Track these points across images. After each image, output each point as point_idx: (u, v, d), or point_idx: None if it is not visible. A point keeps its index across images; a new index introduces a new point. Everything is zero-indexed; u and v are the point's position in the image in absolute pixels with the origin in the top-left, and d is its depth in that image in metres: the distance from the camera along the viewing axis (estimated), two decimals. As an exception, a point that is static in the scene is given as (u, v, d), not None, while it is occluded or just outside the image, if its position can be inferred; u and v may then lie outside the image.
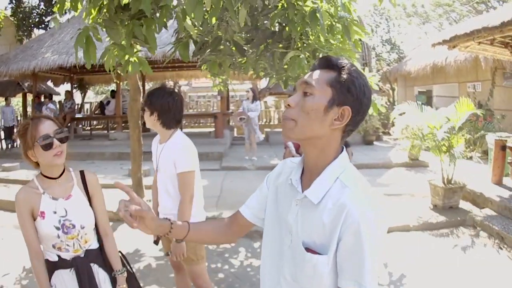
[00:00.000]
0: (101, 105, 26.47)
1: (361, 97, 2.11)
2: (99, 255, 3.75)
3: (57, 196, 3.55)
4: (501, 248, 8.02)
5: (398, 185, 12.90)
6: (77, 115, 26.69)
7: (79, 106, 30.28)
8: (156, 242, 5.05)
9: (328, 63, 2.16)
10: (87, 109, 31.76)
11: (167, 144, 4.80)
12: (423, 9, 38.56)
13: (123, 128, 21.71)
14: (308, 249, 2.10)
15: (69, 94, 25.57)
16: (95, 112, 28.17)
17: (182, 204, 4.69)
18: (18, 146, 20.59)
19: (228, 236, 2.72)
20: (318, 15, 4.70)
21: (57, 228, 3.47)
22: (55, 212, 3.49)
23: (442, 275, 6.93)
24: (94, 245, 3.74)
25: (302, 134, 2.14)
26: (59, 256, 3.57)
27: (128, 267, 4.06)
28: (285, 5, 5.05)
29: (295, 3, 4.96)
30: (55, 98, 28.70)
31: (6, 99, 24.73)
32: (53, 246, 3.55)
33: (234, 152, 19.39)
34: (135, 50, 5.24)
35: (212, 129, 22.43)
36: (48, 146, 3.35)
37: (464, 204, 10.44)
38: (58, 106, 24.87)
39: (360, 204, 1.98)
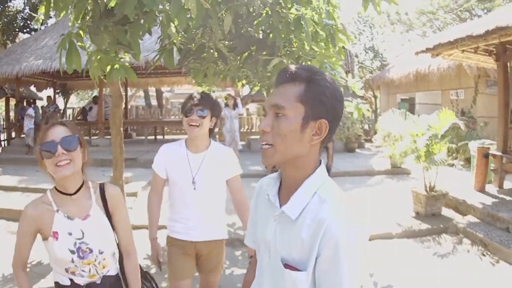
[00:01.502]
0: (84, 111, 26.40)
1: (335, 104, 2.06)
2: (117, 283, 3.39)
3: (73, 216, 3.13)
4: (484, 255, 8.06)
5: (380, 193, 12.94)
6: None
7: (62, 111, 30.17)
8: (160, 267, 4.79)
9: (292, 76, 2.08)
10: (69, 115, 31.62)
11: (209, 152, 4.56)
12: (407, 16, 38.70)
13: (106, 134, 21.56)
14: (287, 265, 2.06)
15: (50, 99, 25.40)
16: (78, 118, 27.98)
17: (247, 205, 4.56)
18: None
19: None
20: (302, 22, 4.69)
21: (72, 252, 3.07)
22: (70, 234, 3.08)
23: (426, 282, 6.93)
24: (113, 271, 3.35)
25: (283, 158, 2.09)
26: (71, 280, 3.19)
27: (154, 285, 3.94)
28: (270, 13, 5.04)
29: (280, 11, 4.96)
30: (38, 103, 28.59)
31: None
32: (66, 270, 3.15)
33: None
34: (119, 56, 5.21)
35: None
36: (48, 154, 2.96)
37: (446, 212, 10.49)
38: (41, 111, 24.73)
39: (339, 219, 1.94)
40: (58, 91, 29.64)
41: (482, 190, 11.32)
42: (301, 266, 2.02)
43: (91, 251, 3.13)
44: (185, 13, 4.06)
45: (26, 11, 29.98)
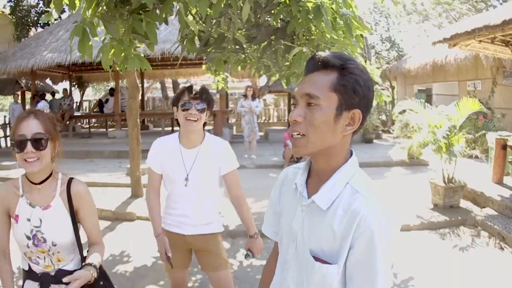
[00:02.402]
0: (100, 103, 26.57)
1: (367, 94, 1.99)
2: None
3: (35, 203, 3.22)
4: (503, 248, 7.96)
5: (398, 184, 12.85)
6: (76, 113, 26.77)
7: (78, 104, 30.30)
8: (170, 263, 4.56)
9: (324, 64, 2.00)
10: (86, 107, 31.80)
11: (204, 147, 4.45)
12: (423, 7, 38.51)
13: (122, 126, 21.57)
14: (316, 258, 2.00)
15: (66, 92, 25.60)
16: (94, 110, 28.13)
17: (244, 200, 4.62)
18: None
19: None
20: (322, 11, 4.63)
21: (28, 238, 3.17)
22: (28, 220, 3.18)
23: (444, 275, 6.86)
24: (70, 266, 3.33)
25: (315, 148, 2.02)
26: (29, 266, 3.31)
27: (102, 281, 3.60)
28: (288, 2, 4.96)
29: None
30: (55, 96, 28.72)
31: (14, 96, 24.71)
32: (25, 254, 3.27)
33: (233, 150, 18.95)
34: (134, 46, 5.15)
35: (211, 127, 22.20)
36: (18, 148, 3.02)
37: (464, 204, 10.35)
38: (56, 103, 24.77)
39: (374, 210, 1.88)
40: (74, 83, 29.73)
41: (500, 182, 11.18)
42: (331, 259, 1.96)
43: (44, 240, 3.19)
44: (206, 1, 3.99)
45: (40, 5, 30.12)
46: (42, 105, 21.14)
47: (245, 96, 17.77)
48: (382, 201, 1.96)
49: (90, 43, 4.66)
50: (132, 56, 5.03)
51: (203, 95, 4.23)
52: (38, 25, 29.99)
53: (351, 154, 2.10)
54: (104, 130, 25.48)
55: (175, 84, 33.68)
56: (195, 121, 4.20)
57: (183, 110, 4.20)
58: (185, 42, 5.48)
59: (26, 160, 3.03)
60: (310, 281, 2.03)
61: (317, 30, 5.33)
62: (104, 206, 10.65)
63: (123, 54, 5.04)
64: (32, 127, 3.04)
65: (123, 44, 4.92)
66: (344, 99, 1.96)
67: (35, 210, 3.19)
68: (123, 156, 16.51)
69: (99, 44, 5.20)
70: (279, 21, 5.41)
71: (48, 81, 28.53)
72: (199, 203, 4.46)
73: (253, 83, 21.77)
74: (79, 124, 27.28)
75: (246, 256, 4.56)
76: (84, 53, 4.59)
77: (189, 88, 4.31)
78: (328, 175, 2.04)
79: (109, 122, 25.57)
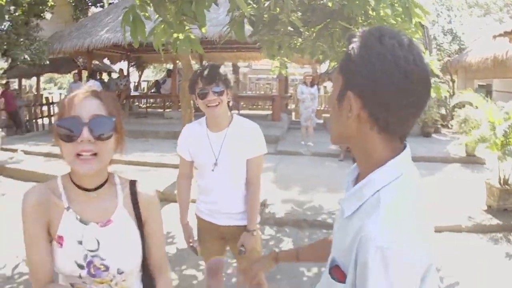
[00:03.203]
0: (157, 84, 26.75)
1: (368, 69, 1.62)
2: None
3: (88, 218, 2.28)
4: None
5: (454, 181, 12.50)
6: (134, 93, 27.02)
7: (136, 84, 30.64)
8: (195, 251, 4.61)
9: (346, 42, 1.75)
10: (144, 87, 32.10)
11: (231, 130, 4.26)
12: (484, 0, 37.86)
13: (179, 107, 21.52)
14: (336, 267, 1.78)
15: (122, 72, 25.95)
16: (151, 91, 28.32)
17: (258, 190, 4.36)
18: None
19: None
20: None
21: (81, 267, 2.24)
22: (80, 243, 2.24)
23: (491, 283, 6.57)
24: None
25: (334, 137, 1.86)
26: None
27: None
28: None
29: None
30: (112, 75, 29.05)
31: (73, 75, 24.98)
32: (72, 286, 2.30)
33: (290, 136, 19.15)
34: (185, 27, 5.05)
35: (270, 112, 22.19)
36: (68, 135, 2.12)
37: (519, 207, 9.92)
38: (112, 83, 25.02)
39: (385, 225, 1.54)
40: (132, 64, 30.11)
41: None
42: (346, 272, 1.71)
43: (106, 268, 2.29)
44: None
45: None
46: (92, 84, 21.25)
47: (305, 82, 17.57)
48: (403, 227, 1.57)
49: (142, 25, 4.57)
50: (182, 37, 4.93)
51: (217, 76, 4.06)
52: (98, 5, 30.26)
53: (395, 156, 1.72)
54: (161, 110, 25.59)
55: (235, 68, 33.61)
56: (216, 105, 4.06)
57: (201, 98, 4.07)
58: (234, 26, 5.35)
59: (78, 155, 2.11)
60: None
61: (375, 13, 5.14)
62: (154, 186, 10.70)
63: (174, 36, 4.94)
64: (90, 107, 2.16)
65: (173, 26, 4.81)
66: (344, 79, 1.72)
67: (89, 228, 2.27)
68: (177, 137, 16.55)
69: (151, 24, 5.08)
70: (335, 2, 5.18)
71: (106, 61, 28.81)
72: (230, 190, 4.31)
73: (313, 70, 21.60)
74: (137, 104, 27.61)
75: (240, 252, 4.33)
76: (136, 38, 4.52)
77: (201, 74, 4.11)
78: (363, 176, 1.76)
79: (166, 103, 25.72)
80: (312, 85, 17.44)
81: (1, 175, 13.61)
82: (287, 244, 7.71)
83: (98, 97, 2.25)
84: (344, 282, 1.70)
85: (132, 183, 2.50)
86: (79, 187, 2.29)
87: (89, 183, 2.29)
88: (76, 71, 25.79)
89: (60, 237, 2.23)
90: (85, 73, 25.18)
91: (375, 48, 1.61)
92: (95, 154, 2.13)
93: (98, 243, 2.27)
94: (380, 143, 1.72)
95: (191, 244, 4.52)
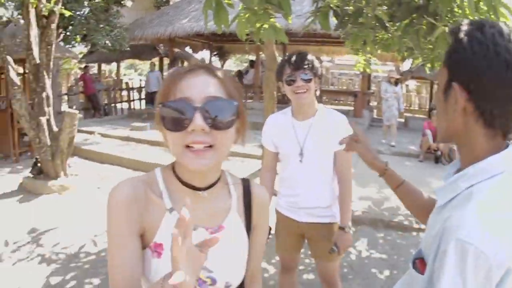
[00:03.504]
0: (240, 74, 26.86)
1: (470, 58, 1.59)
2: None
3: (197, 222, 1.82)
4: None
5: None
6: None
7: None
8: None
9: (450, 34, 1.71)
10: (226, 77, 32.50)
11: (317, 119, 4.13)
12: None
13: (260, 98, 21.68)
14: (421, 260, 1.74)
15: (203, 61, 25.92)
16: (234, 81, 28.61)
17: (350, 185, 4.22)
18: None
19: (426, 217, 2.37)
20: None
21: None
22: None
23: None
24: None
25: (441, 133, 1.80)
26: None
27: None
28: (430, -24, 4.61)
29: (441, -25, 4.53)
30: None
31: (150, 64, 25.43)
32: None
33: (371, 134, 18.76)
34: (270, 16, 4.98)
35: (351, 108, 21.96)
36: (176, 123, 1.67)
37: None
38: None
39: (464, 228, 1.48)
40: (215, 53, 30.35)
41: None
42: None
43: (213, 282, 1.87)
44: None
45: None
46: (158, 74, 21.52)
47: (389, 81, 17.31)
48: (490, 223, 1.51)
49: (225, 11, 4.52)
50: (266, 26, 4.86)
51: (306, 63, 3.97)
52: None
53: (497, 151, 1.66)
54: (244, 101, 25.70)
55: (318, 61, 33.61)
56: (304, 92, 3.94)
57: (289, 84, 3.98)
58: (319, 15, 5.25)
59: (189, 147, 1.66)
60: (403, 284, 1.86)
61: (460, 11, 4.98)
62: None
63: (258, 24, 4.88)
64: (204, 87, 1.71)
65: (257, 14, 4.73)
66: (449, 72, 1.67)
67: (196, 234, 1.76)
68: (259, 127, 16.48)
69: (236, 12, 5.02)
70: (420, -3, 5.04)
71: (188, 49, 29.13)
72: (315, 182, 4.17)
73: (396, 67, 21.35)
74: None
75: (332, 250, 4.16)
76: (220, 24, 4.47)
77: (289, 60, 4.03)
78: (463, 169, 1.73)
79: (248, 94, 25.83)
80: (396, 84, 17.19)
81: (76, 156, 13.96)
82: (361, 244, 7.59)
83: (214, 74, 1.77)
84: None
85: (245, 182, 2.11)
86: (186, 184, 1.83)
87: (200, 181, 1.82)
88: (153, 59, 26.20)
89: (159, 245, 1.77)
90: (166, 61, 25.51)
91: (476, 37, 1.57)
92: (210, 146, 1.67)
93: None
94: (483, 138, 1.69)
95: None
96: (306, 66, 3.95)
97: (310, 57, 4.08)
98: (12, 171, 12.91)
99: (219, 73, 1.79)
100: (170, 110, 1.67)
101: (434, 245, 1.59)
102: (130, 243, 1.71)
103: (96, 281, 6.28)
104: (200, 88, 1.69)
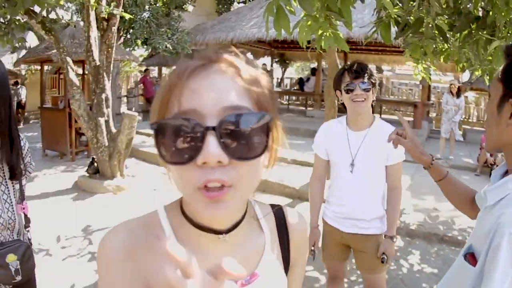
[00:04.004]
0: (301, 81, 26.97)
1: None
2: None
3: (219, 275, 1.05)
4: None
5: None
6: (276, 89, 27.26)
7: (279, 80, 31.02)
8: (313, 256, 4.53)
9: (504, 54, 1.81)
10: (286, 84, 32.42)
11: (372, 130, 4.16)
12: None
13: (321, 106, 21.71)
14: (471, 255, 1.83)
15: (265, 67, 26.27)
16: (294, 88, 28.56)
17: (400, 194, 4.22)
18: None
19: (469, 209, 2.49)
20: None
21: None
22: None
23: None
24: None
25: (491, 143, 1.92)
26: None
27: None
28: (489, -12, 4.61)
29: (499, -14, 4.52)
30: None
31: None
32: None
33: (430, 145, 18.37)
34: (331, 24, 5.04)
35: (411, 119, 21.70)
36: (179, 153, 1.12)
37: None
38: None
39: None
40: (276, 60, 30.52)
41: None
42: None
43: None
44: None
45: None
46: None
47: (451, 91, 16.37)
48: None
49: (286, 18, 4.59)
50: (328, 34, 4.92)
51: (365, 73, 4.00)
52: (240, 1, 30.89)
53: None
54: (303, 108, 25.94)
55: (379, 70, 33.42)
56: (363, 101, 3.97)
57: (347, 92, 4.00)
58: (380, 26, 5.29)
59: (206, 190, 1.12)
60: (453, 277, 1.94)
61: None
62: (289, 183, 10.93)
63: (319, 32, 4.94)
64: (221, 93, 1.15)
65: (318, 21, 4.80)
66: (506, 88, 1.76)
67: None
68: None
69: (297, 19, 5.08)
70: (480, 9, 5.04)
71: (249, 55, 29.33)
72: (362, 194, 4.18)
73: (456, 78, 21.09)
74: (279, 100, 27.75)
75: (382, 260, 4.24)
76: (280, 30, 4.53)
77: (349, 68, 4.07)
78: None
79: (309, 101, 25.85)
80: (458, 96, 16.35)
81: (133, 157, 14.23)
82: (414, 257, 7.53)
83: (234, 72, 1.20)
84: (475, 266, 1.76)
85: (279, 212, 1.61)
86: (200, 227, 1.33)
87: (220, 223, 1.32)
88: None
89: None
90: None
91: None
92: (230, 186, 1.13)
93: None
94: None
95: (312, 248, 4.46)
96: (365, 76, 3.98)
97: (369, 67, 4.11)
98: (68, 169, 13.27)
99: (245, 69, 1.22)
100: (169, 132, 1.13)
101: (486, 240, 1.69)
102: None
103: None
104: (213, 95, 1.14)
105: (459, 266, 1.96)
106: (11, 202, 3.41)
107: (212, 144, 1.07)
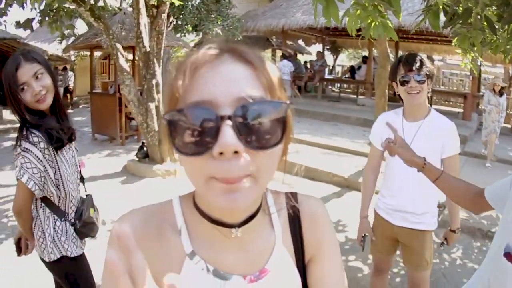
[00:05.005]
0: (352, 69, 26.95)
1: None
2: None
3: (228, 270, 1.35)
4: None
5: None
6: (328, 76, 27.30)
7: (331, 67, 31.05)
8: (362, 246, 4.59)
9: None
10: (338, 72, 32.41)
11: (427, 122, 4.12)
12: None
13: (372, 95, 21.61)
14: (509, 254, 1.88)
15: (320, 54, 26.35)
16: (346, 76, 28.56)
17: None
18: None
19: (471, 203, 2.57)
20: None
21: None
22: None
23: None
24: None
25: None
26: None
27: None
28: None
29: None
30: (306, 57, 29.70)
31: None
32: None
33: (479, 138, 17.52)
34: (381, 13, 5.07)
35: (461, 110, 21.40)
36: (194, 145, 1.09)
37: None
38: (299, 64, 25.97)
39: None
40: (328, 47, 30.60)
41: None
42: None
43: None
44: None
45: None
46: (285, 64, 21.50)
47: (494, 89, 14.62)
48: None
49: (335, 5, 4.62)
50: (376, 22, 4.95)
51: (420, 65, 3.98)
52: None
53: None
54: (354, 96, 25.89)
55: (430, 60, 33.10)
56: (417, 93, 3.96)
57: (402, 84, 4.00)
58: (428, 14, 5.31)
59: (214, 178, 1.11)
60: (489, 272, 1.95)
61: None
62: (338, 171, 10.96)
63: (368, 21, 4.98)
64: (235, 83, 1.14)
65: (367, 10, 4.85)
66: None
67: (230, 285, 1.34)
68: (369, 125, 16.44)
69: (346, 7, 5.10)
70: (529, 0, 5.01)
71: (300, 42, 29.31)
72: (413, 186, 4.16)
73: (506, 70, 20.74)
74: (330, 87, 27.96)
75: (441, 244, 4.36)
76: (329, 18, 4.57)
77: (403, 61, 4.06)
78: None
79: (360, 90, 25.84)
80: (501, 94, 14.61)
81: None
82: (456, 252, 7.48)
83: (247, 61, 1.20)
84: None
85: (289, 199, 1.52)
86: (213, 220, 1.32)
87: (233, 217, 1.31)
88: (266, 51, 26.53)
89: None
90: (279, 53, 25.77)
91: None
92: (248, 176, 1.12)
93: None
94: None
95: (361, 239, 4.52)
96: (420, 68, 3.98)
97: (424, 58, 4.10)
98: (118, 153, 13.57)
99: (255, 59, 1.21)
100: (182, 122, 1.12)
101: None
102: None
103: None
104: (226, 84, 1.14)
105: (498, 265, 1.98)
106: (76, 163, 3.89)
107: (228, 134, 1.06)
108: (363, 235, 4.53)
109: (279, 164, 1.27)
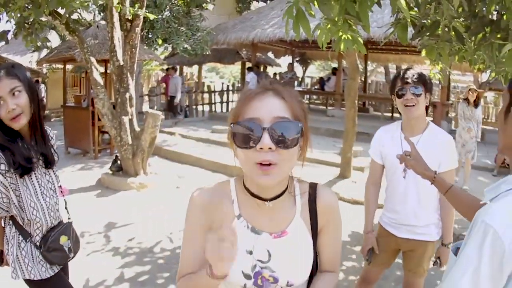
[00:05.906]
0: (321, 81, 27.14)
1: None
2: None
3: (261, 228, 2.15)
4: None
5: None
6: (297, 88, 27.39)
7: (300, 79, 31.17)
8: (368, 260, 4.58)
9: None
10: (307, 83, 32.59)
11: (425, 136, 4.18)
12: None
13: (341, 106, 21.66)
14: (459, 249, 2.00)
15: (290, 66, 26.38)
16: (315, 87, 28.70)
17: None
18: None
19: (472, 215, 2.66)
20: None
21: (247, 277, 2.12)
22: (250, 253, 2.12)
23: None
24: None
25: (500, 146, 2.08)
26: None
27: None
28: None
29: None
30: (275, 69, 30.04)
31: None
32: None
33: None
34: (350, 27, 5.13)
35: (430, 119, 21.20)
36: (245, 144, 1.92)
37: None
38: (262, 76, 25.81)
39: (489, 213, 1.80)
40: (297, 59, 30.96)
41: None
42: None
43: (275, 280, 2.13)
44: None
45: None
46: (252, 77, 21.84)
47: (467, 100, 12.96)
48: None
49: (306, 20, 4.67)
50: (346, 36, 5.01)
51: (417, 78, 4.05)
52: (258, 1, 30.96)
53: None
54: (324, 107, 26.29)
55: (399, 70, 33.29)
56: (413, 106, 4.04)
57: (399, 97, 4.09)
58: (397, 28, 5.38)
59: (260, 165, 1.89)
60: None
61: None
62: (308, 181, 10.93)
63: (339, 35, 5.03)
64: (272, 108, 1.94)
65: (336, 24, 4.91)
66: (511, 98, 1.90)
67: (261, 238, 2.14)
68: (338, 135, 16.61)
69: (316, 21, 5.17)
70: (494, 12, 5.11)
71: (270, 54, 29.48)
72: (415, 200, 4.24)
73: (475, 78, 20.91)
74: (300, 99, 27.92)
75: (435, 263, 4.41)
76: (298, 32, 4.62)
77: (401, 74, 4.16)
78: None
79: (329, 101, 26.05)
80: (476, 105, 12.88)
81: (157, 156, 14.50)
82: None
83: (281, 96, 1.99)
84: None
85: (312, 188, 2.28)
86: (254, 195, 2.10)
87: (266, 194, 2.08)
88: (235, 63, 26.68)
89: None
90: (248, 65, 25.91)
91: None
92: (274, 166, 1.89)
93: (269, 254, 2.13)
94: None
95: (367, 253, 4.56)
96: (416, 80, 4.05)
97: (422, 72, 4.19)
98: (91, 167, 13.54)
99: (286, 95, 2.01)
100: (241, 129, 1.93)
101: (468, 230, 1.88)
102: (199, 239, 2.17)
103: (169, 275, 6.53)
104: (268, 109, 1.93)
105: (450, 261, 2.15)
106: (55, 189, 3.85)
107: (266, 138, 1.84)
108: (368, 249, 4.56)
109: (298, 159, 2.05)
